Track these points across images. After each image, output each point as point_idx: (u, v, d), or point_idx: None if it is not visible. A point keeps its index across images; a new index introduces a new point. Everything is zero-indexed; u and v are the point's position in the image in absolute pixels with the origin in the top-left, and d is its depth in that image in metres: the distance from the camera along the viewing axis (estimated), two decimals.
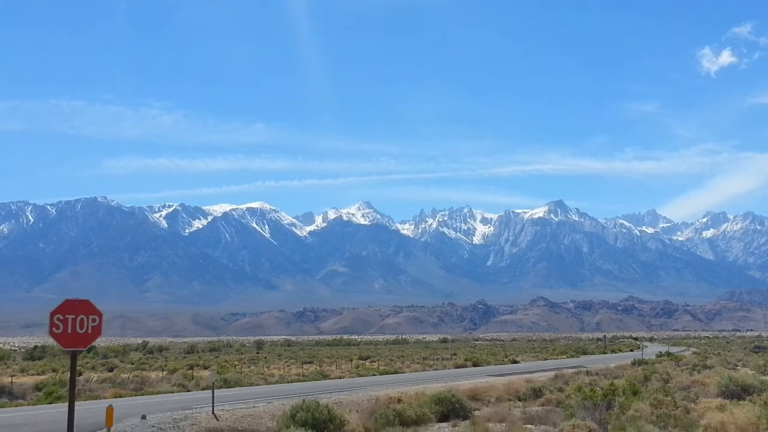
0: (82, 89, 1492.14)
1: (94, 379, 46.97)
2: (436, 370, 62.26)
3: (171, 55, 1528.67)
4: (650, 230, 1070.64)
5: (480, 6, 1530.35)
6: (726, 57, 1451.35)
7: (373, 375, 54.06)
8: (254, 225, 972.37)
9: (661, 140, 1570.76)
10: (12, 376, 50.18)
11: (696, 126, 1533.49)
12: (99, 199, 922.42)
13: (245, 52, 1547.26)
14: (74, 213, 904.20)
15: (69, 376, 16.12)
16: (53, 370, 58.77)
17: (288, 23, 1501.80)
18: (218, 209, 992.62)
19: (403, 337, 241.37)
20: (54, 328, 14.79)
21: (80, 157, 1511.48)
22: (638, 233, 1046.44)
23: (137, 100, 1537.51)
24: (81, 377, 47.16)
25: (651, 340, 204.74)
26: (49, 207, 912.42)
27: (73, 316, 14.95)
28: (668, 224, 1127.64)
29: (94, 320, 15.19)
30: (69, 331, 14.82)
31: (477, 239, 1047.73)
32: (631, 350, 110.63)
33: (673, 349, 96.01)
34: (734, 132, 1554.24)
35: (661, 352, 74.53)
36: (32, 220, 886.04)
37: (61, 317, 14.86)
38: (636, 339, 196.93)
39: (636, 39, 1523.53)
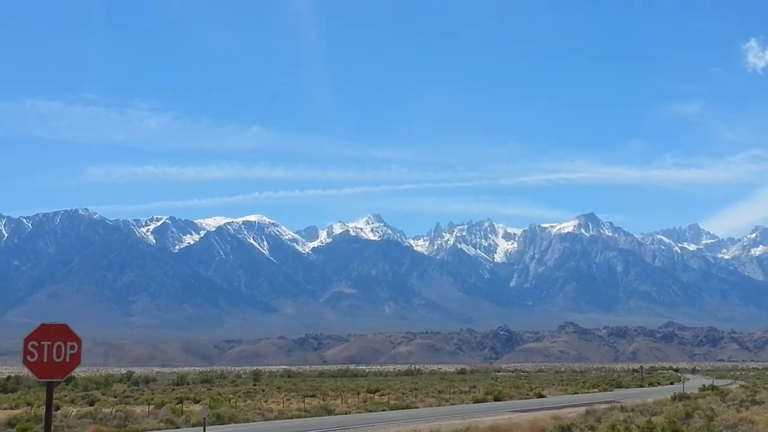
0: (60, 89, 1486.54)
1: (73, 413, 47.02)
2: (453, 404, 62.12)
3: (159, 50, 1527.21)
4: (692, 247, 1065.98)
5: (499, 0, 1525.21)
6: None
7: (383, 410, 53.98)
8: (251, 241, 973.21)
9: (704, 146, 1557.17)
10: None
11: (743, 130, 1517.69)
12: (80, 212, 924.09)
13: (241, 48, 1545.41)
14: (53, 227, 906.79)
15: (44, 410, 16.08)
16: (28, 404, 58.89)
17: (289, 17, 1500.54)
18: (212, 223, 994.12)
19: (417, 367, 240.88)
20: (28, 357, 14.78)
21: (59, 164, 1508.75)
22: (679, 250, 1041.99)
23: (122, 101, 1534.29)
24: (58, 412, 47.22)
25: (693, 371, 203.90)
26: (24, 220, 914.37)
27: (50, 343, 14.95)
28: (712, 240, 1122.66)
29: (72, 347, 15.18)
30: (45, 360, 14.81)
31: (499, 257, 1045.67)
32: (671, 383, 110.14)
33: (718, 382, 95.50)
34: None
35: (704, 386, 74.19)
36: (6, 235, 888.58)
37: (36, 344, 14.86)
38: (677, 370, 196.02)
39: (674, 32, 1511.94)
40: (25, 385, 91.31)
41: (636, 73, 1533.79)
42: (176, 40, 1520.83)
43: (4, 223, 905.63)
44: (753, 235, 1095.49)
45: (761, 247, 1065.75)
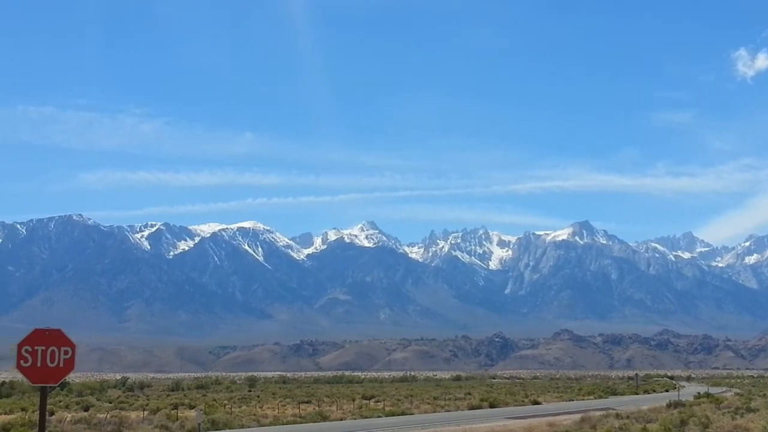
0: (52, 94, 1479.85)
1: (68, 419, 46.85)
2: (449, 411, 62.02)
3: (152, 56, 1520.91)
4: (687, 255, 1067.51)
5: (493, 8, 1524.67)
6: (763, 60, 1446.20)
7: (378, 416, 53.86)
8: (246, 247, 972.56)
9: (696, 154, 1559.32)
10: None
11: (734, 138, 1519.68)
12: (74, 217, 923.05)
13: (234, 54, 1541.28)
14: (47, 233, 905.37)
15: (39, 415, 15.99)
16: (22, 409, 58.69)
17: (282, 24, 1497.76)
18: (206, 229, 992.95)
19: (412, 373, 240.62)
20: (22, 361, 14.70)
21: (52, 169, 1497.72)
22: (673, 258, 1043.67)
23: (115, 106, 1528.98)
24: (52, 417, 47.05)
25: (688, 379, 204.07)
26: (18, 226, 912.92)
27: (43, 348, 14.87)
28: (707, 249, 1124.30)
29: (66, 352, 15.10)
30: (38, 365, 14.73)
31: (494, 264, 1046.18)
32: (666, 390, 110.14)
33: (713, 390, 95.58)
34: None
35: (699, 393, 74.18)
36: (0, 240, 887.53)
37: (30, 349, 14.77)
38: (671, 378, 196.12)
39: (664, 41, 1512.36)
40: (19, 390, 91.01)
41: (628, 81, 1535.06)
42: (169, 45, 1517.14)
43: None
44: (747, 244, 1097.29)
45: (755, 255, 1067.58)
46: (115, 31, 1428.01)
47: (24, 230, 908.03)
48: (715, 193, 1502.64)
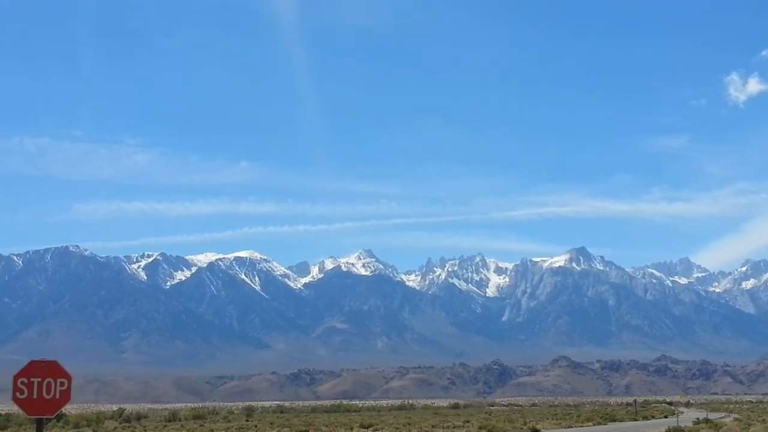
0: (48, 125, 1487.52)
1: None
2: None
3: (147, 86, 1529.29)
4: (684, 281, 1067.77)
5: (487, 34, 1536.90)
6: (754, 85, 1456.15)
7: None
8: (243, 276, 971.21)
9: (691, 179, 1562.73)
10: None
11: (728, 163, 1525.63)
12: (71, 249, 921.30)
13: (228, 83, 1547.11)
14: (43, 264, 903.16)
15: None
16: None
17: (276, 52, 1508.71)
18: (203, 259, 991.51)
19: (410, 402, 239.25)
20: (18, 393, 14.61)
21: (48, 200, 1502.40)
22: (670, 284, 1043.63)
23: (110, 137, 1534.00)
24: None
25: (687, 404, 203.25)
26: (15, 258, 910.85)
27: (39, 380, 14.79)
28: (703, 274, 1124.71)
29: (62, 384, 15.01)
30: (35, 397, 14.65)
31: (491, 291, 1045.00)
32: (665, 416, 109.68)
33: (712, 415, 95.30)
34: None
35: (698, 419, 73.97)
36: None
37: (26, 381, 14.70)
38: (670, 404, 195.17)
39: (657, 66, 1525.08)
40: (15, 422, 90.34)
41: (622, 106, 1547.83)
42: (163, 75, 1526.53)
43: None
44: (744, 269, 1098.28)
45: (752, 280, 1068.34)
46: (111, 63, 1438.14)
47: (21, 262, 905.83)
48: (711, 217, 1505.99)
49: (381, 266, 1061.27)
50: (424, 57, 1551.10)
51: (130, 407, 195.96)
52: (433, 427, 78.18)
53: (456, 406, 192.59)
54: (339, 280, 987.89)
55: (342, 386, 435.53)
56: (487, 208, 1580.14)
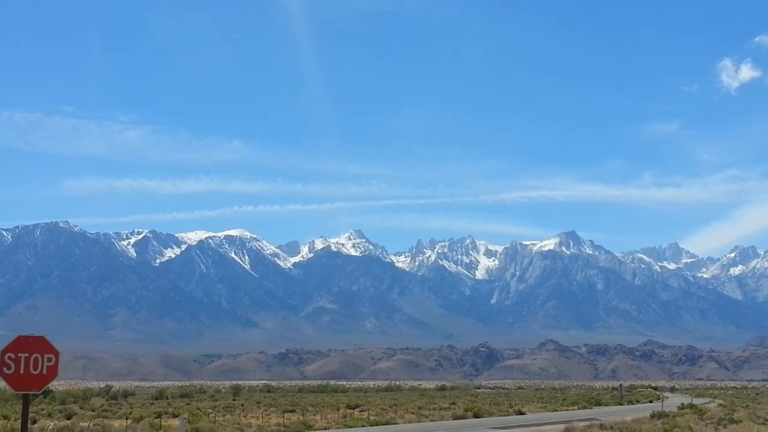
0: (38, 100, 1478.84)
1: (50, 427, 46.61)
2: (433, 420, 62.00)
3: (139, 63, 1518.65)
4: (672, 266, 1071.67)
5: (480, 21, 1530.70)
6: (747, 71, 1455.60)
7: (363, 426, 53.78)
8: (233, 255, 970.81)
9: (681, 165, 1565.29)
10: None
11: (719, 149, 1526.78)
12: (61, 224, 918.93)
13: (221, 62, 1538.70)
14: (32, 239, 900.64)
15: (21, 423, 15.97)
16: (4, 417, 58.28)
17: (270, 33, 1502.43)
18: (193, 237, 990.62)
19: (397, 383, 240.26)
20: (5, 368, 14.69)
21: (38, 176, 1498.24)
22: (659, 269, 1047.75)
23: (101, 113, 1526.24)
24: (35, 425, 46.79)
25: (672, 389, 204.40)
26: (4, 232, 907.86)
27: (27, 355, 14.87)
28: (692, 260, 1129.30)
29: (50, 360, 15.10)
30: (21, 372, 14.73)
31: (480, 274, 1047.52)
32: (651, 401, 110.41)
33: (697, 401, 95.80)
34: (763, 157, 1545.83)
35: (683, 404, 74.43)
36: None
37: (13, 356, 14.78)
38: (656, 388, 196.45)
39: (650, 52, 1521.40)
40: (1, 397, 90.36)
41: (614, 92, 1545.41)
42: (156, 53, 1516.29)
43: None
44: (732, 255, 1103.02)
45: (740, 266, 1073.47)
46: (104, 38, 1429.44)
47: (9, 237, 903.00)
48: (701, 204, 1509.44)
49: (371, 247, 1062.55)
50: (418, 41, 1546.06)
51: (117, 384, 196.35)
52: (419, 408, 78.52)
53: (443, 388, 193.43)
54: (329, 260, 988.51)
55: (329, 366, 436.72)
56: (478, 191, 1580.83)
